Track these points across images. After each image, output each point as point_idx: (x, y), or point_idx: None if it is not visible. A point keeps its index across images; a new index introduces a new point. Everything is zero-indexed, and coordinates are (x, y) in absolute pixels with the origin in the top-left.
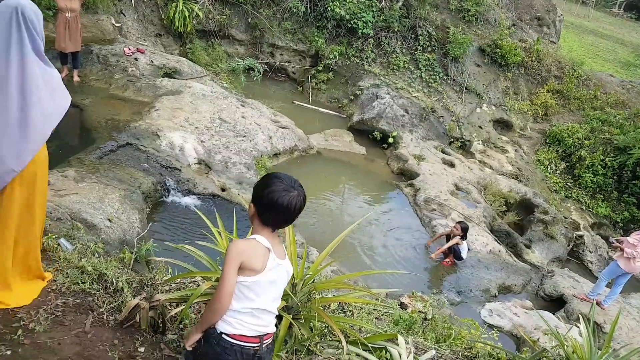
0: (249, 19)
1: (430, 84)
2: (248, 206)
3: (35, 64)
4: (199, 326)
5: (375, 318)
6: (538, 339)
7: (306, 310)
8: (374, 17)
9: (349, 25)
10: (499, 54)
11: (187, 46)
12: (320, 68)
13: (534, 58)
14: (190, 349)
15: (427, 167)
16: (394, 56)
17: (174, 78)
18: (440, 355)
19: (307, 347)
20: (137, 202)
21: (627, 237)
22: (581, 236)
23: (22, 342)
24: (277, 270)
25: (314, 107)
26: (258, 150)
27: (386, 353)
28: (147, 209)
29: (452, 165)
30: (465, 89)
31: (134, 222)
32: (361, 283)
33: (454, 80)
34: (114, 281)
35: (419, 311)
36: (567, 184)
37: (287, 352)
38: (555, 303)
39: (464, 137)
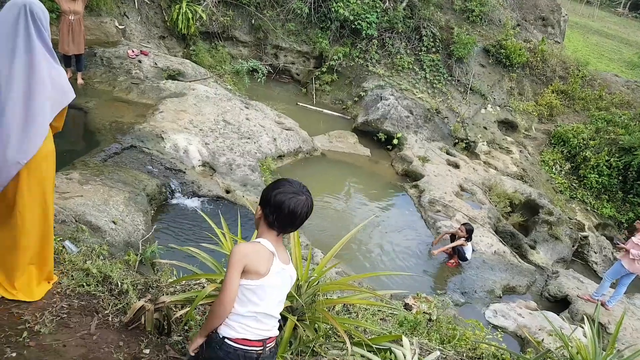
0: (253, 21)
1: (434, 85)
2: (255, 209)
3: (43, 59)
4: (202, 330)
5: (380, 319)
6: (542, 340)
7: (311, 312)
8: (377, 18)
9: (353, 26)
10: (504, 54)
11: (190, 48)
12: (324, 69)
13: (538, 58)
14: (193, 354)
15: (431, 169)
16: (398, 57)
17: (178, 80)
18: (444, 356)
19: (311, 348)
20: (142, 204)
21: (632, 237)
22: (586, 237)
23: (27, 344)
24: (281, 275)
25: (318, 108)
26: (262, 152)
27: (391, 354)
28: (152, 211)
29: (456, 166)
30: (470, 89)
31: (138, 225)
32: (366, 284)
33: (458, 81)
34: (119, 283)
35: (424, 312)
36: (572, 185)
37: (291, 354)
38: (560, 304)
39: (468, 138)
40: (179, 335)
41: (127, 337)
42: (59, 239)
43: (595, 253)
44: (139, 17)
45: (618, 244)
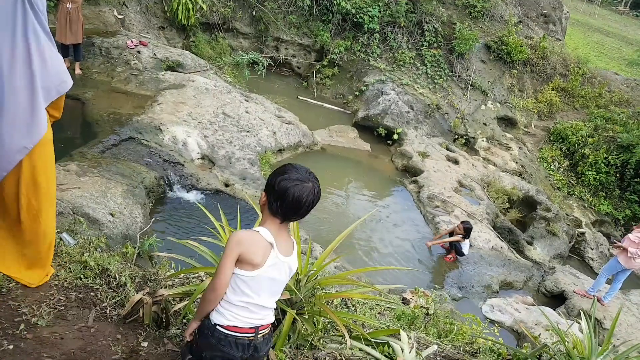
0: (254, 12)
1: (435, 81)
2: (260, 195)
3: (43, 42)
4: (196, 315)
5: (378, 313)
6: (539, 335)
7: (310, 306)
8: (380, 12)
9: (355, 20)
10: (505, 50)
11: (190, 39)
12: (325, 63)
13: (539, 55)
14: (189, 339)
15: (431, 164)
16: (400, 52)
17: (177, 71)
18: (441, 350)
19: (310, 342)
20: (140, 196)
21: (629, 234)
22: (583, 233)
23: (24, 336)
24: (277, 267)
25: (318, 102)
26: (262, 145)
27: (389, 348)
28: (150, 204)
29: (456, 162)
30: (471, 85)
31: (136, 217)
32: (364, 279)
33: (459, 76)
34: (117, 276)
35: (421, 307)
36: (570, 182)
37: (290, 347)
38: (556, 299)
39: (468, 134)
40: (177, 329)
41: (125, 330)
42: (56, 231)
43: (592, 249)
44: (138, 7)
45: (615, 243)
